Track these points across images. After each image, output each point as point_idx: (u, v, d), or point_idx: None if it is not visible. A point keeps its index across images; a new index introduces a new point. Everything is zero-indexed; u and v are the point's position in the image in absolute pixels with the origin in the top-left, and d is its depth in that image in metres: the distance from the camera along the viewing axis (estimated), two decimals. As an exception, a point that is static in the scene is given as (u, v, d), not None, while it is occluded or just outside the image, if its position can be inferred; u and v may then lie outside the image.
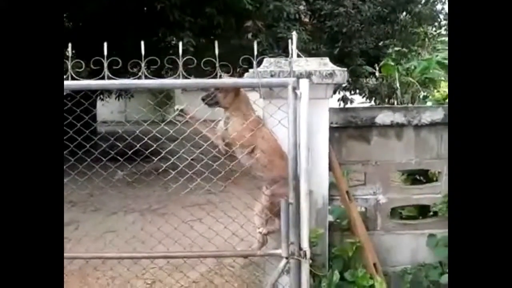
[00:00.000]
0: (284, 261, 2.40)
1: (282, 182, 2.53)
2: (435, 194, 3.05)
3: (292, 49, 2.85)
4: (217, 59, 2.44)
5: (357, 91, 11.53)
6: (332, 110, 2.84)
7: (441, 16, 14.12)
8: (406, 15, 11.56)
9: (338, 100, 11.53)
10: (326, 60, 2.81)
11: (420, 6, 11.58)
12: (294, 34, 2.99)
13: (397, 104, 10.61)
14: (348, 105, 11.16)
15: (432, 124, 2.97)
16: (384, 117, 2.96)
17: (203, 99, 2.59)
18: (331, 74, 2.68)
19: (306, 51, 8.35)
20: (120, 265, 2.73)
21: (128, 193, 6.11)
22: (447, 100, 3.53)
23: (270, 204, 2.55)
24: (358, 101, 11.80)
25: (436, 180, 3.16)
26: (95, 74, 2.47)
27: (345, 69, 2.76)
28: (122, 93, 12.25)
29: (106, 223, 4.93)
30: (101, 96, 11.68)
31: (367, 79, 11.72)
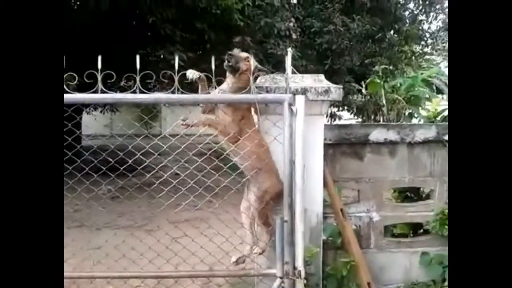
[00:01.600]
0: (278, 280, 2.35)
1: (267, 175, 2.50)
2: (428, 211, 3.05)
3: (286, 66, 2.86)
4: (213, 74, 2.43)
5: (345, 107, 11.67)
6: (326, 127, 2.84)
7: (427, 35, 14.49)
8: (393, 33, 11.82)
9: (327, 117, 11.64)
10: (322, 77, 2.82)
11: (407, 25, 11.86)
12: (289, 51, 2.98)
13: (383, 120, 10.74)
14: (337, 122, 11.26)
15: (425, 142, 2.98)
16: (377, 134, 2.96)
17: (228, 58, 2.47)
18: (327, 91, 2.69)
19: (295, 68, 8.41)
20: (109, 285, 2.63)
21: (113, 208, 5.97)
22: (438, 118, 3.57)
23: (260, 203, 2.49)
24: (346, 117, 11.94)
25: (428, 198, 3.16)
26: (83, 86, 2.42)
27: (341, 86, 2.76)
28: (109, 106, 12.13)
29: (92, 239, 4.79)
30: (88, 109, 11.53)
31: (356, 96, 11.88)
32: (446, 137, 2.91)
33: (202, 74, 2.50)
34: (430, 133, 2.98)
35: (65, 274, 1.86)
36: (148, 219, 5.66)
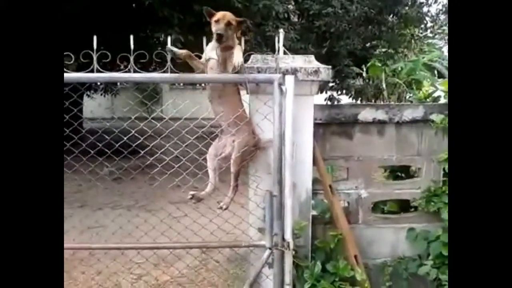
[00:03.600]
0: (268, 251, 2.48)
1: (245, 128, 2.67)
2: (415, 189, 3.15)
3: (278, 47, 2.93)
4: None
5: (344, 91, 11.69)
6: (316, 107, 2.92)
7: (427, 18, 14.39)
8: (393, 16, 11.76)
9: (325, 100, 11.68)
10: (312, 57, 2.89)
11: (407, 8, 11.79)
12: (281, 32, 3.05)
13: (383, 104, 10.81)
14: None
15: (413, 122, 3.07)
16: (366, 114, 3.04)
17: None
18: (316, 71, 2.76)
19: (294, 50, 8.44)
20: (107, 257, 2.76)
21: (114, 188, 6.11)
22: (428, 99, 3.63)
23: (237, 153, 2.62)
24: (345, 101, 11.97)
25: (417, 176, 3.26)
26: (83, 67, 2.51)
27: (330, 67, 2.84)
28: (108, 88, 12.19)
29: (92, 217, 4.94)
30: (88, 92, 11.59)
31: (354, 80, 11.89)
32: (433, 117, 2.99)
33: (185, 51, 2.57)
34: (418, 112, 3.06)
35: (65, 245, 1.95)
36: (148, 199, 5.81)
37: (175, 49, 2.53)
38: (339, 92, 11.94)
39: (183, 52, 2.58)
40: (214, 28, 2.56)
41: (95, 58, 2.42)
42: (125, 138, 2.54)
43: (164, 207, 3.75)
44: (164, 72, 2.54)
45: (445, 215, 2.97)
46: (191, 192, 2.64)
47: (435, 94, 3.61)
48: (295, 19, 9.47)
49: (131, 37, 2.44)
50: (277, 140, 2.51)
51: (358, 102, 11.80)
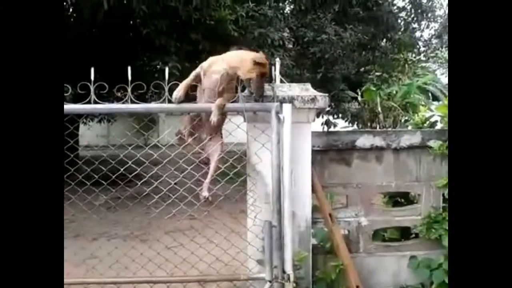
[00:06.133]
0: (267, 284, 2.41)
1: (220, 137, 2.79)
2: (415, 216, 3.11)
3: (275, 75, 2.95)
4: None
5: (340, 115, 11.78)
6: (314, 134, 2.92)
7: (420, 43, 14.69)
8: (386, 42, 11.99)
9: (322, 124, 11.74)
10: (308, 85, 2.90)
11: (399, 33, 12.04)
12: (277, 61, 3.09)
13: (380, 128, 10.86)
14: (332, 129, 11.36)
15: (411, 148, 3.06)
16: (364, 141, 3.04)
17: None
18: (313, 99, 2.77)
19: (290, 76, 8.55)
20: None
21: (110, 218, 6.01)
22: (425, 124, 3.65)
23: (218, 155, 2.71)
24: (342, 125, 12.04)
25: (416, 202, 3.23)
26: (79, 98, 2.50)
27: (326, 94, 2.85)
28: (105, 117, 12.21)
29: (88, 249, 4.83)
30: (84, 120, 11.60)
31: (350, 104, 12.01)
32: (431, 143, 2.99)
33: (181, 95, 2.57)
34: (415, 138, 3.06)
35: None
36: (143, 229, 5.71)
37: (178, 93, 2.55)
38: (335, 116, 12.02)
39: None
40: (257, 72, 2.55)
41: (92, 89, 2.42)
42: (121, 169, 2.51)
43: (160, 238, 3.68)
44: (162, 101, 2.54)
45: (446, 242, 2.92)
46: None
47: (432, 119, 3.62)
48: (290, 46, 9.62)
49: (129, 68, 2.44)
50: (275, 169, 2.49)
51: (355, 126, 11.87)
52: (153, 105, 2.65)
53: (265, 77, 2.62)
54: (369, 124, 11.21)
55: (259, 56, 2.62)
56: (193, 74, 2.67)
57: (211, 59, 2.73)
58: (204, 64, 2.70)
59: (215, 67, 2.63)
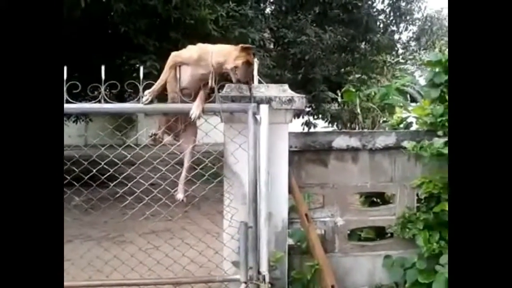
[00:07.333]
0: (242, 286, 2.41)
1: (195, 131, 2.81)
2: (390, 215, 3.16)
3: (253, 75, 2.95)
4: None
5: (320, 116, 11.87)
6: (292, 134, 2.93)
7: (399, 45, 14.95)
8: (365, 44, 12.15)
9: (302, 125, 11.80)
10: (286, 86, 2.91)
11: (378, 35, 12.22)
12: (256, 62, 3.08)
13: (359, 129, 10.99)
14: (312, 130, 11.45)
15: (386, 148, 3.10)
16: (340, 141, 3.07)
17: None
18: (290, 100, 2.78)
19: (271, 77, 8.57)
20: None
21: (85, 220, 5.89)
22: (401, 125, 3.70)
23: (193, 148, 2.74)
24: (322, 125, 12.15)
25: (391, 202, 3.28)
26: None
27: (304, 95, 2.87)
28: (81, 116, 11.96)
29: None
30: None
31: (330, 105, 12.11)
32: (405, 143, 3.04)
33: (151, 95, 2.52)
34: (390, 139, 3.10)
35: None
36: (118, 231, 5.61)
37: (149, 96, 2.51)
38: (315, 117, 12.11)
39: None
40: (243, 70, 2.51)
41: (64, 89, 2.36)
42: (94, 171, 2.46)
43: (135, 240, 3.61)
44: (137, 101, 2.50)
45: (420, 241, 2.97)
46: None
47: (409, 120, 3.68)
48: (271, 47, 9.65)
49: (103, 67, 2.40)
50: (252, 170, 2.49)
51: (334, 126, 11.98)
52: (127, 105, 2.60)
53: (251, 64, 2.57)
54: (348, 125, 11.34)
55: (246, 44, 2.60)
56: (167, 70, 2.57)
57: (194, 49, 2.63)
58: (185, 54, 2.63)
59: (203, 62, 2.55)
